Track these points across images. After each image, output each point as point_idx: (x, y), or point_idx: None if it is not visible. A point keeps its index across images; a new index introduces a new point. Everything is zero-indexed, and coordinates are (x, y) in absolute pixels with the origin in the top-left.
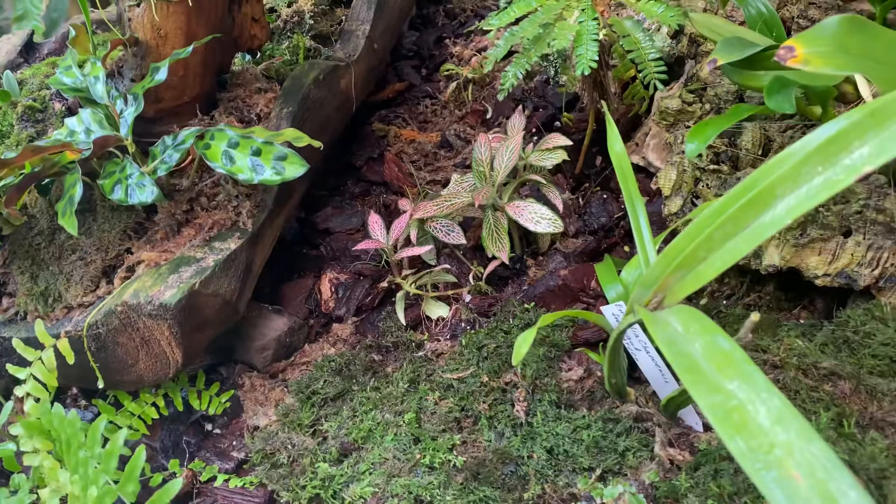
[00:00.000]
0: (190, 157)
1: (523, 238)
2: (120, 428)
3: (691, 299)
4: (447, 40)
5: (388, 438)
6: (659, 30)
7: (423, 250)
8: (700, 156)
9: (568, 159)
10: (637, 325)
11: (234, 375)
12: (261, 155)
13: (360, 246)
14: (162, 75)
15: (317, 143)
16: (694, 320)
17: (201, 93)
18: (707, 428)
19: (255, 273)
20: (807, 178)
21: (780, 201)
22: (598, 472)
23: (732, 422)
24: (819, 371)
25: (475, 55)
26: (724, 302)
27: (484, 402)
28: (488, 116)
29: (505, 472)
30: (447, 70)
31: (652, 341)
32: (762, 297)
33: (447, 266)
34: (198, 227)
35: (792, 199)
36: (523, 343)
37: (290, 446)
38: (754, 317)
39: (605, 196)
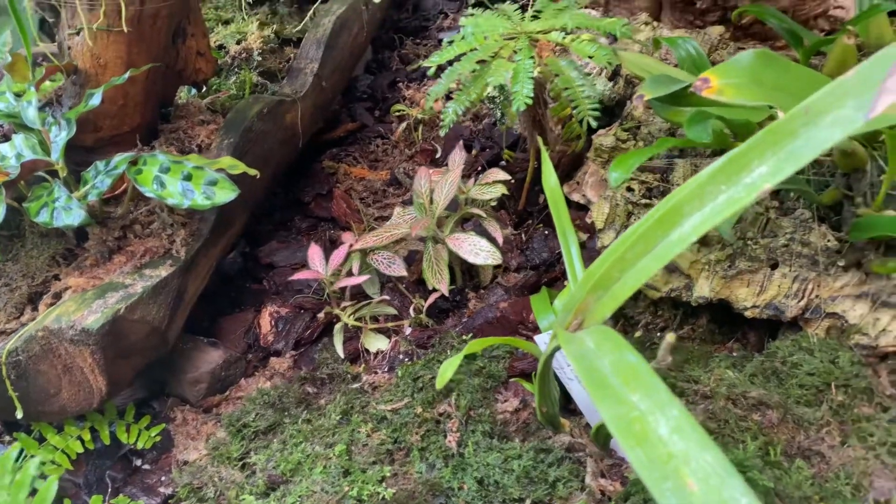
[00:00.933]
0: (124, 185)
1: (466, 272)
2: (33, 457)
3: (627, 332)
4: (401, 84)
5: (317, 471)
6: (601, 73)
7: (361, 280)
8: (632, 190)
9: (508, 193)
10: None
11: (167, 409)
12: (191, 180)
13: (298, 276)
14: (96, 100)
15: (253, 172)
16: (606, 339)
17: (142, 123)
18: None
19: (187, 302)
20: (711, 196)
21: (686, 219)
22: (528, 502)
23: (633, 433)
24: (748, 401)
25: (426, 98)
26: (658, 334)
27: (417, 434)
28: (437, 156)
29: None
30: (398, 111)
31: None
32: (695, 329)
33: (387, 297)
34: (129, 254)
35: (698, 217)
36: (448, 368)
37: (217, 480)
38: (670, 338)
39: (546, 233)
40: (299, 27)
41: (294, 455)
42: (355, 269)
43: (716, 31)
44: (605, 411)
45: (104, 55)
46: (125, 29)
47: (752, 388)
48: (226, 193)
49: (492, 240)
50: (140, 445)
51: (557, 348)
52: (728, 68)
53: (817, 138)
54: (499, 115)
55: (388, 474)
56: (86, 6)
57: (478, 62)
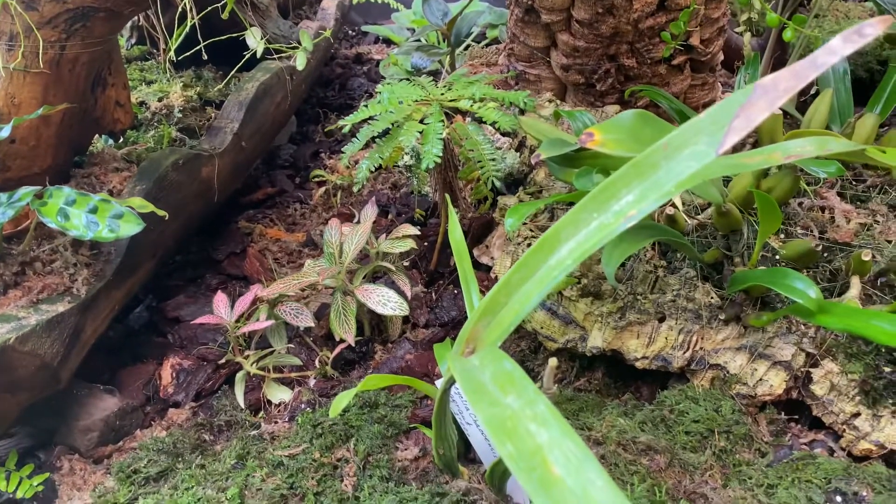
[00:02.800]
0: (28, 222)
1: (375, 326)
2: None
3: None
4: (323, 154)
5: None
6: (510, 148)
7: (265, 325)
8: (530, 245)
9: (418, 251)
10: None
11: (53, 458)
12: (97, 212)
13: (201, 320)
14: (5, 133)
15: (161, 213)
16: (489, 355)
17: (53, 165)
18: None
19: (84, 342)
20: (585, 223)
21: (564, 245)
22: None
23: (505, 429)
24: (637, 446)
25: (348, 167)
26: (556, 385)
27: (313, 479)
28: (355, 220)
29: None
30: (317, 176)
31: None
32: (591, 381)
33: (291, 346)
34: (27, 289)
35: (573, 242)
36: (343, 399)
37: None
38: (552, 363)
39: (456, 292)
40: (219, 87)
41: (184, 499)
42: (262, 320)
43: (612, 109)
44: (481, 414)
45: (19, 94)
46: (42, 69)
47: (642, 435)
48: (131, 227)
49: (401, 293)
50: (20, 494)
51: (452, 382)
52: (611, 125)
53: (676, 170)
54: (415, 182)
55: None
56: (4, 46)
57: (392, 124)
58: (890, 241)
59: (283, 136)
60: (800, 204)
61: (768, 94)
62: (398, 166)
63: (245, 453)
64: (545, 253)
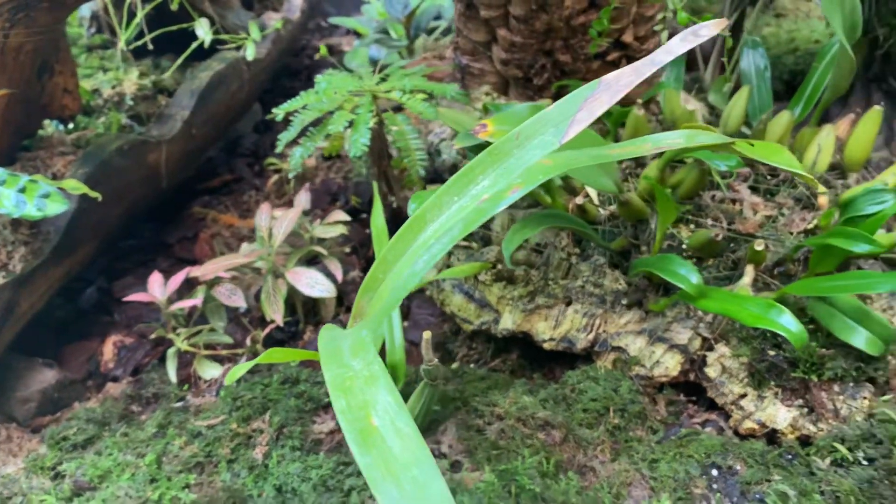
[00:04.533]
0: None
1: (311, 309)
2: None
3: (445, 363)
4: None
5: (124, 478)
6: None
7: (191, 303)
8: None
9: (346, 233)
10: None
11: None
12: (25, 192)
13: (132, 297)
14: None
15: (94, 194)
16: (362, 326)
17: None
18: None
19: (18, 316)
20: (447, 205)
21: (429, 225)
22: None
23: (344, 387)
24: (536, 421)
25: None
26: (472, 365)
27: (228, 447)
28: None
29: None
30: (271, 164)
31: None
32: (507, 362)
33: (221, 324)
34: None
35: (437, 223)
36: (239, 370)
37: (26, 489)
38: (426, 335)
39: None
40: (166, 75)
41: (104, 463)
42: (199, 301)
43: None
44: (328, 374)
45: None
46: None
47: (542, 411)
48: (58, 206)
49: (331, 277)
50: None
51: None
52: (504, 116)
53: (525, 157)
54: (364, 171)
55: (193, 482)
56: None
57: (323, 113)
58: (792, 233)
59: (247, 125)
60: (712, 197)
61: (610, 88)
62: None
63: (167, 423)
64: (414, 233)
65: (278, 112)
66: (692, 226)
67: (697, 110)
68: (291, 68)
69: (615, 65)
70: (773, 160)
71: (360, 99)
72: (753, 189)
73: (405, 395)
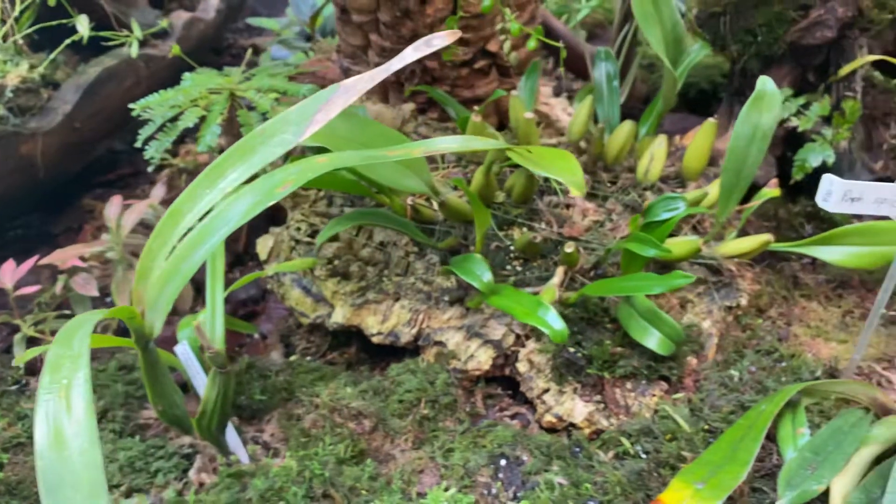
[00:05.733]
0: None
1: None
2: None
3: (287, 356)
4: (188, 139)
5: None
6: None
7: (33, 289)
8: (300, 229)
9: None
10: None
11: None
12: None
13: None
14: None
15: None
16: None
17: None
18: (253, 458)
19: None
20: (200, 198)
21: (185, 217)
22: (125, 488)
23: (56, 366)
24: (350, 411)
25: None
26: (308, 358)
27: None
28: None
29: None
30: (163, 159)
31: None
32: (344, 355)
33: (67, 312)
34: None
35: (191, 215)
36: (31, 352)
37: None
38: (195, 323)
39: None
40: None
41: None
42: (58, 289)
43: (408, 107)
44: (50, 354)
45: None
46: None
47: (358, 402)
48: None
49: None
50: None
51: (146, 342)
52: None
53: (268, 153)
54: None
55: (7, 461)
56: None
57: (174, 108)
58: (616, 237)
59: None
60: (549, 202)
61: (347, 92)
62: None
63: None
64: (173, 223)
65: (135, 107)
66: (525, 228)
67: (534, 118)
68: (211, 66)
69: (484, 72)
70: (542, 168)
71: (217, 97)
72: (592, 195)
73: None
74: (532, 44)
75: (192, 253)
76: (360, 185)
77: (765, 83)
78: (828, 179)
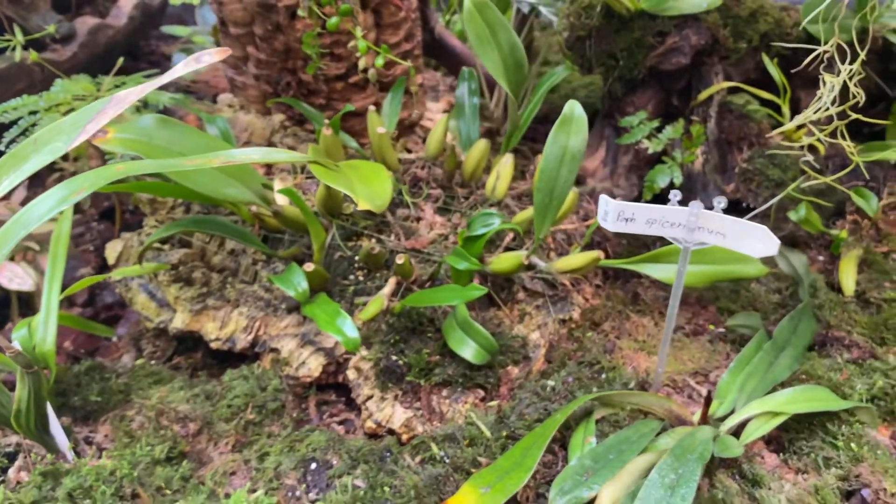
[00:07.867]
0: None
1: (27, 302)
2: None
3: (137, 358)
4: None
5: None
6: None
7: None
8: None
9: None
10: None
11: None
12: None
13: None
14: None
15: None
16: None
17: None
18: (78, 455)
19: None
20: None
21: None
22: None
23: None
24: (177, 414)
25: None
26: (153, 362)
27: None
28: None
29: None
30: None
31: None
32: (189, 360)
33: None
34: None
35: None
36: None
37: None
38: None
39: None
40: None
41: None
42: None
43: (277, 118)
44: None
45: None
46: None
47: (185, 405)
48: None
49: (40, 270)
50: None
51: None
52: (128, 125)
53: (39, 160)
54: None
55: None
56: None
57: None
58: None
59: None
60: (400, 215)
61: (119, 103)
62: None
63: None
64: None
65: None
66: (373, 240)
67: (388, 132)
68: (127, 72)
69: (360, 87)
70: (338, 183)
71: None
72: (446, 210)
73: (67, 385)
74: (380, 61)
75: None
76: (196, 192)
77: (572, 107)
78: (604, 200)
